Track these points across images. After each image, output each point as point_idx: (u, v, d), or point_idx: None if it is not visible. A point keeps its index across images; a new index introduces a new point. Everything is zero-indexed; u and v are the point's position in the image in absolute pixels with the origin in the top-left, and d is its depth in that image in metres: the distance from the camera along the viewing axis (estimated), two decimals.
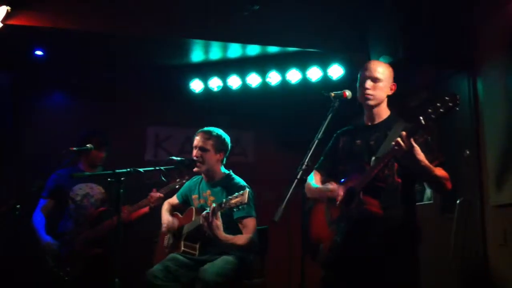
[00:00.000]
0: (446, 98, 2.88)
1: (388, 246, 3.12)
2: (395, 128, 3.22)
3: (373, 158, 3.17)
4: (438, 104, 2.89)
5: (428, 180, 3.19)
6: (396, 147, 2.97)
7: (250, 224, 4.00)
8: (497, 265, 4.12)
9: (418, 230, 3.27)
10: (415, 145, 2.96)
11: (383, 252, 3.11)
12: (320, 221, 3.35)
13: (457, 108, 2.87)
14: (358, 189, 3.13)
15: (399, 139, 2.96)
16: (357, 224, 3.12)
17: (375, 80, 3.32)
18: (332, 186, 3.27)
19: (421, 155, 3.01)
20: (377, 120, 3.39)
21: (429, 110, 2.90)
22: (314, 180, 3.50)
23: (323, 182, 3.46)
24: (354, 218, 3.12)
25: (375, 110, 3.38)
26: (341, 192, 3.20)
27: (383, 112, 3.40)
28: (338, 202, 3.20)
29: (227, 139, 4.26)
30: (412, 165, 3.04)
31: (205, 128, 4.26)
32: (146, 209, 4.66)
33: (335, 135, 3.55)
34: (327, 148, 3.56)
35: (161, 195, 4.55)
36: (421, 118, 2.91)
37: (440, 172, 3.11)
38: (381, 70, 3.35)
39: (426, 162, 3.03)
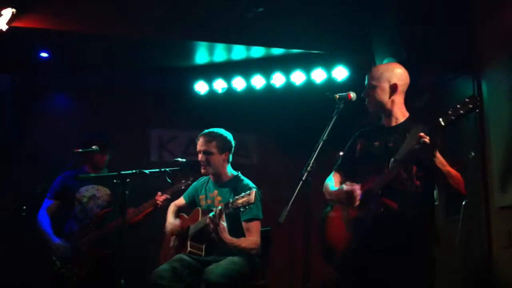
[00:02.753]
0: (467, 100, 2.88)
1: (406, 247, 3.10)
2: (413, 130, 3.19)
3: (392, 160, 3.17)
4: (458, 106, 2.88)
5: (445, 184, 3.16)
6: (417, 145, 2.94)
7: (254, 227, 3.99)
8: (502, 266, 4.12)
9: (435, 232, 3.25)
10: (436, 143, 2.96)
11: (401, 254, 3.09)
12: (337, 224, 3.32)
13: (477, 110, 2.87)
14: (376, 191, 3.13)
15: (422, 134, 2.93)
16: (375, 226, 3.11)
17: (368, 88, 3.35)
18: (347, 186, 3.23)
19: (440, 158, 3.01)
20: (395, 122, 3.36)
21: (449, 112, 2.89)
22: (333, 181, 3.48)
23: (342, 183, 3.45)
24: (372, 220, 3.12)
25: (388, 112, 3.36)
26: (358, 192, 3.18)
27: (400, 114, 3.37)
28: (356, 203, 3.18)
29: (230, 137, 4.26)
30: (432, 165, 3.04)
31: (206, 130, 4.25)
32: (150, 208, 4.66)
33: (353, 136, 3.54)
34: (346, 149, 3.53)
35: (168, 196, 4.55)
36: (440, 119, 2.90)
37: (457, 176, 3.09)
38: (374, 74, 3.36)
39: (445, 163, 3.03)
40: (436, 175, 3.13)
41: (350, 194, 3.19)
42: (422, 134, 2.93)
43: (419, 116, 3.39)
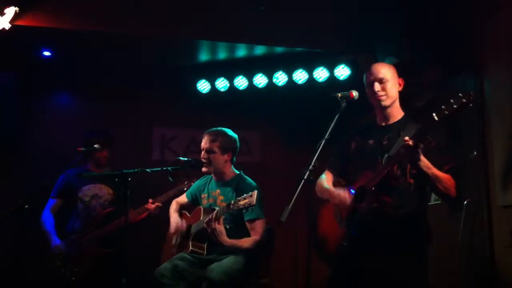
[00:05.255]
0: (460, 94, 2.88)
1: (399, 245, 3.12)
2: (408, 128, 3.21)
3: (385, 156, 3.18)
4: (452, 101, 2.88)
5: (432, 185, 3.18)
6: (403, 149, 2.97)
7: (258, 226, 4.00)
8: (504, 265, 4.11)
9: (429, 230, 3.27)
10: (420, 153, 2.97)
11: (394, 251, 3.11)
12: (329, 219, 3.35)
13: (471, 105, 2.86)
14: (369, 187, 3.13)
15: (406, 138, 2.95)
16: (368, 222, 3.12)
17: (381, 81, 3.32)
18: (343, 194, 3.26)
19: (425, 162, 3.02)
20: (391, 121, 3.38)
21: (443, 107, 2.90)
22: (325, 179, 3.49)
23: (335, 181, 3.46)
24: (365, 216, 3.12)
25: (389, 110, 3.37)
26: (348, 202, 3.22)
27: (397, 112, 3.39)
28: (344, 217, 3.23)
29: (235, 138, 4.25)
30: (417, 168, 3.05)
31: (212, 129, 4.26)
32: (145, 213, 4.66)
33: (347, 134, 3.55)
34: (339, 148, 3.55)
35: (159, 204, 4.56)
36: (434, 114, 2.91)
37: (445, 178, 3.11)
38: (384, 70, 3.35)
39: (430, 167, 3.04)
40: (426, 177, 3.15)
41: (341, 204, 3.26)
42: (406, 138, 2.95)
43: (414, 115, 3.40)
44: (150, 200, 4.58)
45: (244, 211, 3.82)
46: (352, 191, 3.27)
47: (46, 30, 4.88)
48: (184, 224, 4.28)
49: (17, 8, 4.56)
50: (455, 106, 2.87)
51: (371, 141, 3.37)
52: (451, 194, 3.15)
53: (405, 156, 3.03)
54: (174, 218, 4.35)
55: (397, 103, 3.40)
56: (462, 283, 4.40)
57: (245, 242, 3.94)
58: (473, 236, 4.32)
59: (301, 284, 5.74)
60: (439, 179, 3.09)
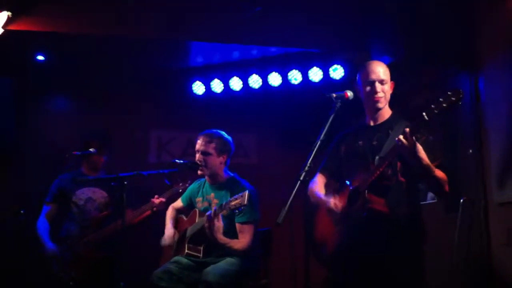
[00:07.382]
0: (449, 93, 2.89)
1: (393, 244, 3.13)
2: (397, 127, 3.22)
3: (377, 157, 3.18)
4: (441, 99, 2.90)
5: (428, 181, 3.19)
6: (399, 143, 2.97)
7: (247, 230, 4.00)
8: (501, 263, 4.12)
9: (423, 228, 3.27)
10: (417, 143, 2.97)
11: (389, 251, 3.11)
12: (325, 220, 3.35)
13: (460, 103, 2.87)
14: (362, 188, 3.13)
15: (401, 136, 2.96)
16: (363, 224, 3.12)
17: (382, 82, 3.31)
18: (333, 202, 3.27)
19: (422, 153, 3.02)
20: (380, 120, 3.38)
21: (432, 106, 2.91)
22: (317, 184, 3.49)
23: (327, 184, 3.46)
24: (359, 217, 3.12)
25: (380, 111, 3.38)
26: (339, 207, 3.22)
27: (386, 112, 3.40)
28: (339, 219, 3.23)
29: (229, 140, 4.26)
30: (414, 163, 3.05)
31: (207, 131, 4.26)
32: (148, 212, 4.65)
33: (336, 136, 3.55)
34: (329, 150, 3.55)
35: (163, 199, 4.55)
36: (424, 113, 2.92)
37: (439, 173, 3.12)
38: (383, 70, 3.34)
39: (427, 161, 3.04)
40: (421, 176, 3.14)
41: (332, 210, 3.25)
42: (400, 136, 2.96)
43: (401, 114, 3.40)
44: (156, 196, 4.56)
45: (235, 212, 3.83)
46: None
47: (39, 34, 4.87)
48: (175, 235, 4.28)
49: (9, 13, 4.54)
50: (444, 105, 2.89)
51: (360, 142, 3.37)
52: (445, 189, 3.16)
53: (397, 154, 3.04)
54: (168, 228, 4.34)
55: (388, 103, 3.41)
56: (459, 280, 4.40)
57: (237, 243, 3.95)
58: (470, 234, 4.32)
59: (300, 285, 5.73)
60: (435, 175, 3.10)
